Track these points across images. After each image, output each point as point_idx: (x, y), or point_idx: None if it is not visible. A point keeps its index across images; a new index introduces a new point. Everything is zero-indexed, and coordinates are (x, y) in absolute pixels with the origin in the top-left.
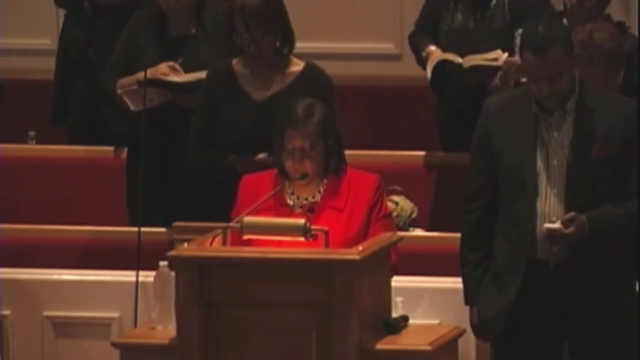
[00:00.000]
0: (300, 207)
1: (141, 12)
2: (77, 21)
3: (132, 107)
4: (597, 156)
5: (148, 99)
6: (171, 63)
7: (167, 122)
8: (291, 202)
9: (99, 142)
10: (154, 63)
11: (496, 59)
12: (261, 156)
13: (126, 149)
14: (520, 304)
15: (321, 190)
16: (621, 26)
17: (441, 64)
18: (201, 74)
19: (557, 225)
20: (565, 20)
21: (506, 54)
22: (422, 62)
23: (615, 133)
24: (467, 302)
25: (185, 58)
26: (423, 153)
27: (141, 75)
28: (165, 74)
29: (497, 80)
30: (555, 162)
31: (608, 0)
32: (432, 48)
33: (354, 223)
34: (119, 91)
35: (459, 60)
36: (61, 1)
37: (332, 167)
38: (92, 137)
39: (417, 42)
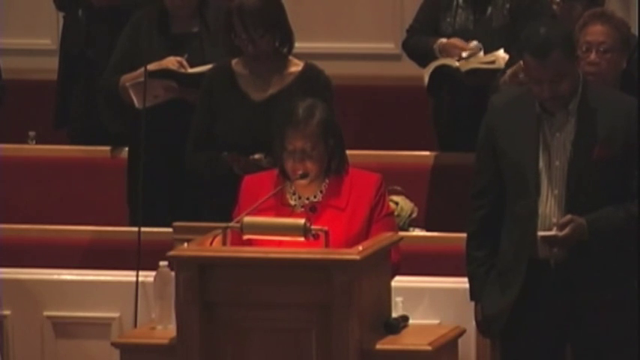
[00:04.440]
0: (302, 207)
1: (141, 12)
2: (75, 23)
3: (137, 103)
4: (599, 157)
5: (154, 95)
6: (179, 58)
7: (168, 121)
8: (292, 202)
9: (98, 144)
10: (158, 60)
11: (493, 62)
12: (257, 156)
13: (123, 149)
14: (522, 303)
15: (323, 189)
16: None
17: (439, 69)
18: (210, 67)
19: (551, 232)
20: None
21: (504, 55)
22: (428, 57)
23: (617, 134)
24: (472, 299)
25: (190, 56)
26: (423, 153)
27: (148, 68)
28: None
29: (506, 76)
30: (557, 163)
31: (598, 5)
32: (444, 40)
33: (356, 223)
34: (127, 84)
35: (456, 64)
36: (59, 4)
37: (334, 167)
38: (92, 139)
39: (417, 42)
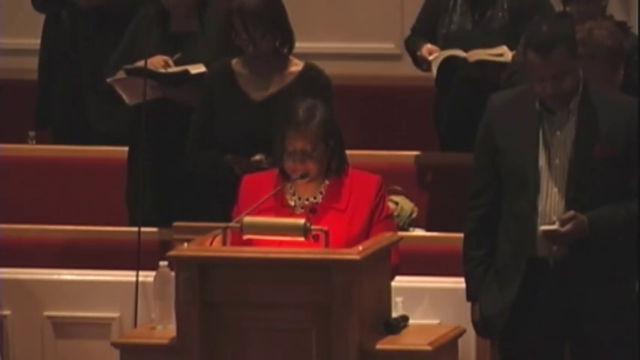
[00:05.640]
0: (302, 207)
1: (145, 9)
2: (58, 24)
3: (127, 100)
4: (599, 156)
5: (140, 92)
6: (165, 57)
7: (169, 120)
8: (292, 203)
9: (82, 142)
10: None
11: (501, 55)
12: (257, 157)
13: (122, 149)
14: (521, 302)
15: (323, 190)
16: (622, 26)
17: (447, 61)
18: (187, 67)
19: (553, 226)
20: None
21: (512, 52)
22: (418, 63)
23: (618, 132)
24: (468, 299)
25: (183, 54)
26: (422, 153)
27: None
28: (157, 66)
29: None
30: (557, 161)
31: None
32: (428, 45)
33: (356, 224)
34: (108, 80)
35: (464, 54)
36: (39, 6)
37: (333, 168)
38: (75, 137)
39: (412, 44)
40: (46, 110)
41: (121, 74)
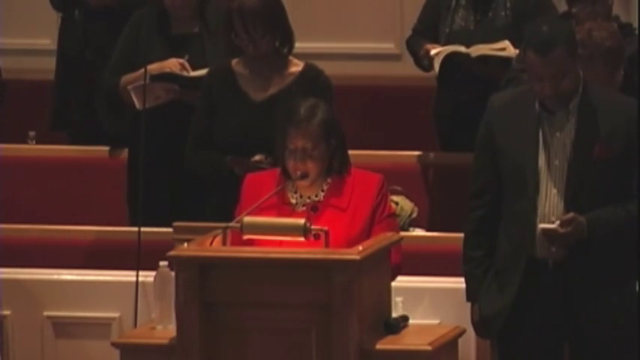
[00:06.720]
0: (303, 206)
1: (141, 12)
2: (72, 24)
3: (137, 104)
4: (599, 157)
5: (154, 96)
6: (181, 60)
7: (169, 121)
8: (293, 201)
9: (97, 144)
10: (159, 61)
11: (504, 49)
12: (257, 157)
13: (122, 149)
14: (520, 302)
15: (324, 189)
16: (626, 28)
17: (449, 58)
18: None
19: (552, 225)
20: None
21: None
22: (419, 63)
23: (617, 134)
24: (468, 299)
25: (191, 56)
26: (422, 153)
27: (149, 69)
28: (174, 70)
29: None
30: (557, 162)
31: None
32: (430, 44)
33: (357, 223)
34: (129, 87)
35: (466, 50)
36: (57, 5)
37: (335, 167)
38: (91, 139)
39: (414, 44)
40: (64, 113)
41: (137, 80)
